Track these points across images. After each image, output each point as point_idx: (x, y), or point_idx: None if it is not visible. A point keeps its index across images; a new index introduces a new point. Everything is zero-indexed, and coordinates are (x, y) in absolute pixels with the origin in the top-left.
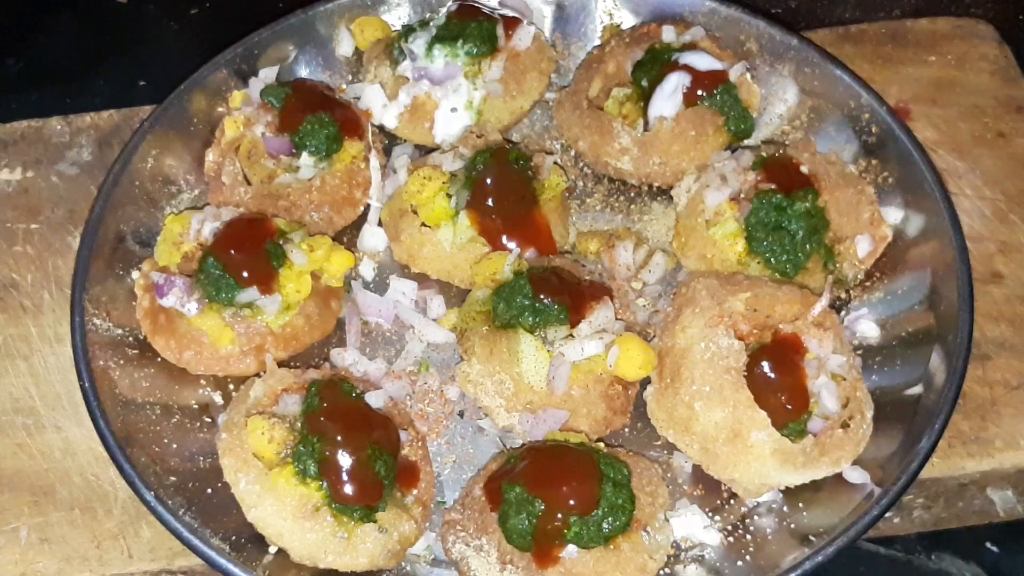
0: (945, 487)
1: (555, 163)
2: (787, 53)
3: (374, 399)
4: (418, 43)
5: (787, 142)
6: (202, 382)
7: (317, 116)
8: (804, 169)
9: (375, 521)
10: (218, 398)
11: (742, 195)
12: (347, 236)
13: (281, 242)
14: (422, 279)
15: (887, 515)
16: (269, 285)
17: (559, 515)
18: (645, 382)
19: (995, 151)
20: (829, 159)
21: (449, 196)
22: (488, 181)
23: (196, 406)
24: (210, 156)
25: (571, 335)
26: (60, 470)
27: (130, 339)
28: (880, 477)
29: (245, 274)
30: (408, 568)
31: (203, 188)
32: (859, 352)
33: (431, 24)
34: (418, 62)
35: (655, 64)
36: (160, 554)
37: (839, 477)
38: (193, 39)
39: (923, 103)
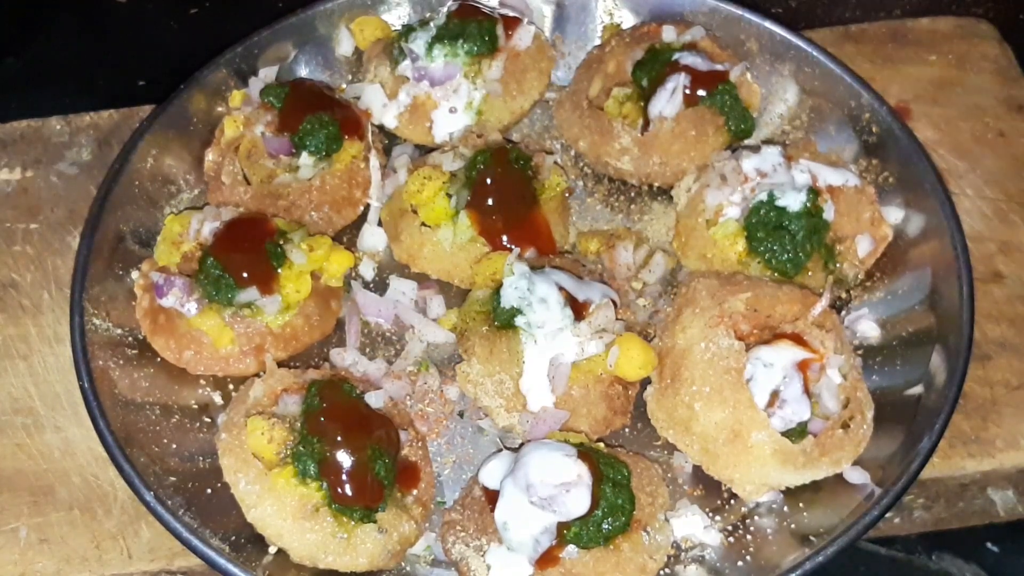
0: (945, 487)
1: (555, 163)
2: (787, 53)
3: (374, 399)
4: (418, 43)
5: (787, 142)
6: (202, 382)
7: (317, 116)
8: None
9: (375, 521)
10: (218, 398)
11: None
12: (347, 236)
13: (281, 242)
14: (422, 279)
15: (887, 515)
16: (269, 285)
17: None
18: (645, 382)
19: (996, 151)
20: (830, 159)
21: (449, 196)
22: (488, 181)
23: (196, 406)
24: (210, 156)
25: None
26: (59, 470)
27: (130, 339)
28: (880, 477)
29: (245, 274)
30: (408, 568)
31: (203, 188)
32: (859, 352)
33: (431, 24)
34: (418, 62)
35: (655, 64)
36: (160, 554)
37: (839, 477)
38: (193, 39)
39: (924, 103)
